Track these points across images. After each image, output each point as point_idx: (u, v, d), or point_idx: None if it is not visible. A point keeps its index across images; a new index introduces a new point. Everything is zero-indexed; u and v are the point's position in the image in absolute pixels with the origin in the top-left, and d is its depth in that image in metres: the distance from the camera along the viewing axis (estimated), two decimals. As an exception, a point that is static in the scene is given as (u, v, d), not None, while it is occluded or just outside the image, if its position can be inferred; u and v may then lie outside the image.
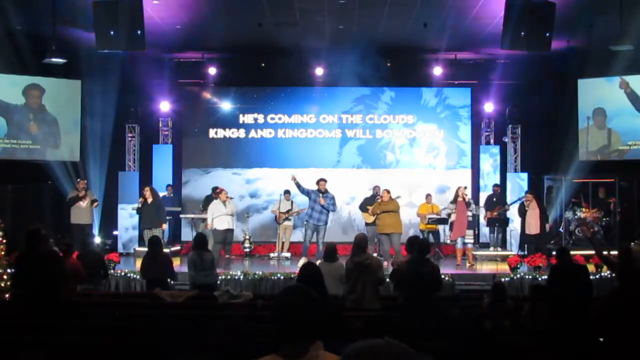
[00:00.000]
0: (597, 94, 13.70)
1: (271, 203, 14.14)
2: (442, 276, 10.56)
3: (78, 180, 12.85)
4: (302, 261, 10.35)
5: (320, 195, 11.98)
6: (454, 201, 12.27)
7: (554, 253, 9.28)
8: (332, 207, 12.13)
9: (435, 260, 12.89)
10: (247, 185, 14.85)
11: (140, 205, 12.28)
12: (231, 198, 12.38)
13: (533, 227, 12.57)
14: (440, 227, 13.50)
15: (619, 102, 13.40)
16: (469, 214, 12.27)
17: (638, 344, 4.78)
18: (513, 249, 13.42)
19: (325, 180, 12.22)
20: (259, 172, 14.86)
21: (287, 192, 13.29)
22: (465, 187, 12.77)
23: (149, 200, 12.10)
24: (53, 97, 13.53)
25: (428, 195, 13.55)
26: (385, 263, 12.00)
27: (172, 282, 9.22)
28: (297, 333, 2.38)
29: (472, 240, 12.46)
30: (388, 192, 12.26)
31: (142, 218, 12.36)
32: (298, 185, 12.05)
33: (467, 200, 12.25)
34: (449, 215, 12.46)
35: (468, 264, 12.16)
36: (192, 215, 13.66)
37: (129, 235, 13.96)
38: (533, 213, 12.61)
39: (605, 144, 13.71)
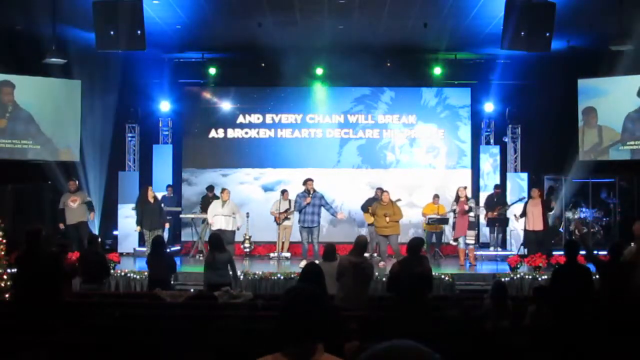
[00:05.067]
0: (597, 94, 13.70)
1: (271, 203, 14.10)
2: (442, 276, 10.69)
3: (69, 181, 12.83)
4: (303, 263, 10.39)
5: (308, 195, 11.99)
6: (456, 200, 12.29)
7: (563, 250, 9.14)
8: (327, 207, 12.15)
9: (435, 260, 12.92)
10: (247, 185, 14.83)
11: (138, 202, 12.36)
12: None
13: (536, 223, 12.52)
14: (444, 228, 13.46)
15: (618, 101, 13.40)
16: (471, 214, 12.26)
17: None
18: (513, 249, 13.41)
19: (311, 180, 12.18)
20: (259, 172, 14.86)
21: (284, 191, 13.29)
22: (465, 187, 12.75)
23: (151, 200, 12.17)
24: (52, 97, 13.53)
25: (435, 197, 13.34)
26: (382, 263, 12.04)
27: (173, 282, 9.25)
28: (302, 333, 2.38)
29: (473, 241, 12.44)
30: (388, 193, 12.26)
31: (143, 217, 12.33)
32: (299, 209, 12.13)
33: (466, 200, 12.24)
34: (454, 212, 12.41)
35: (470, 264, 12.15)
36: (192, 215, 13.67)
37: (129, 234, 13.97)
38: (536, 210, 12.56)
39: (596, 142, 13.72)
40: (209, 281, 8.80)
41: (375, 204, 12.41)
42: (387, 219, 11.94)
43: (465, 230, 12.13)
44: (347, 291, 7.22)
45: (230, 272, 8.98)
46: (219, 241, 9.08)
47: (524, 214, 12.66)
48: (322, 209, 12.13)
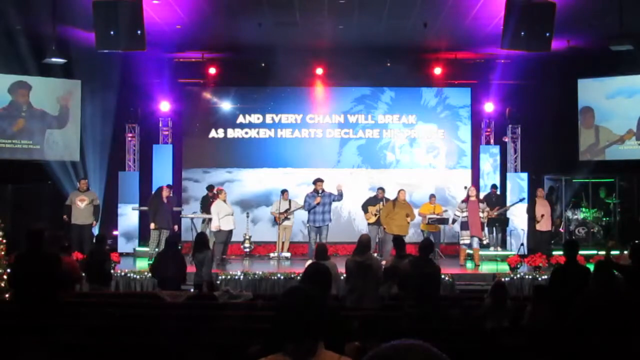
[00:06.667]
0: (597, 94, 13.70)
1: (271, 203, 14.10)
2: (442, 276, 10.68)
3: (79, 179, 12.85)
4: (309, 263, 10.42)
5: (317, 195, 12.01)
6: (466, 200, 12.24)
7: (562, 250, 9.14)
8: (336, 198, 12.21)
9: (435, 260, 12.90)
10: (248, 185, 14.83)
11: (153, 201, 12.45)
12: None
13: (547, 224, 12.46)
14: (446, 227, 13.44)
15: (618, 102, 13.41)
16: (481, 214, 12.23)
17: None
18: (513, 249, 13.39)
19: (321, 181, 12.25)
20: (259, 172, 14.85)
21: (284, 191, 13.28)
22: (477, 188, 12.75)
23: (165, 200, 12.27)
24: (53, 97, 13.53)
25: (432, 196, 13.35)
26: (383, 262, 12.02)
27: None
28: (301, 333, 2.39)
29: (486, 241, 12.44)
30: (404, 192, 12.31)
31: (157, 216, 12.34)
32: (309, 209, 12.13)
33: (477, 200, 12.22)
34: (462, 211, 12.32)
35: (475, 265, 12.12)
36: (192, 215, 13.66)
37: (129, 234, 13.97)
38: (546, 210, 12.49)
39: (593, 142, 13.72)
40: (193, 281, 8.92)
41: (390, 203, 12.38)
42: (409, 218, 12.06)
43: (479, 231, 12.10)
44: (358, 292, 7.26)
45: (203, 270, 8.94)
46: (203, 240, 9.13)
47: (534, 214, 12.55)
48: (331, 206, 12.19)
